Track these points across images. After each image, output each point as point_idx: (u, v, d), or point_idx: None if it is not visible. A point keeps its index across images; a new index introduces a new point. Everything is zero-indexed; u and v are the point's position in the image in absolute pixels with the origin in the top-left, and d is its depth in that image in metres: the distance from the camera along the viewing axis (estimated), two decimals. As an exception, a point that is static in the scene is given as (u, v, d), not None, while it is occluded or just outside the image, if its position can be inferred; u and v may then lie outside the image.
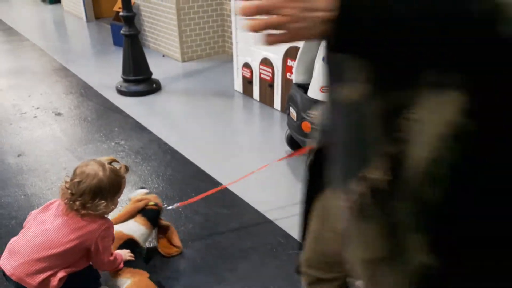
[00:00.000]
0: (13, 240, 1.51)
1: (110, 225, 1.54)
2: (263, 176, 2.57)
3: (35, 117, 3.36)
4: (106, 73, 4.29)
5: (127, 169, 1.58)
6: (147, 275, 1.66)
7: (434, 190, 0.61)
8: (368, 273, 0.73)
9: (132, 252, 1.70)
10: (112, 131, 3.12)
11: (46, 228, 1.47)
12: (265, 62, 3.36)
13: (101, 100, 3.67)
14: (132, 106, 3.54)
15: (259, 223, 2.16)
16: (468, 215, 0.62)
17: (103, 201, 1.46)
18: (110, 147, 2.89)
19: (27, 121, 3.30)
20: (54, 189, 2.41)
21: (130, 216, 1.80)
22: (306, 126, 2.42)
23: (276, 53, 3.24)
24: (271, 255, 1.94)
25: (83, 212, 1.44)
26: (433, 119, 0.57)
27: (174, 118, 3.38)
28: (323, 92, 2.28)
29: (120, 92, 3.79)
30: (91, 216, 1.47)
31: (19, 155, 2.80)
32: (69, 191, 1.44)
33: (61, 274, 1.46)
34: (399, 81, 0.60)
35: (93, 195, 1.44)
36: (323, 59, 2.28)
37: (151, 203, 1.84)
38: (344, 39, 0.56)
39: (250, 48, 3.48)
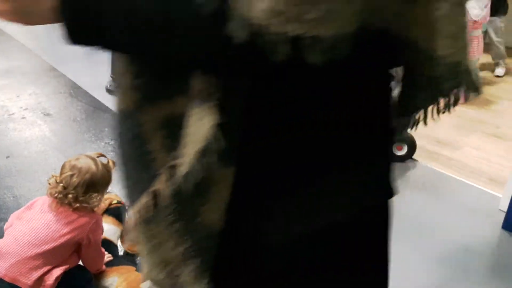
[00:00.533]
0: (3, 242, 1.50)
1: (99, 218, 1.57)
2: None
3: (24, 118, 3.33)
4: (95, 73, 4.25)
5: (114, 164, 1.61)
6: (134, 268, 1.65)
7: (196, 210, 0.57)
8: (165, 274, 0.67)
9: (109, 252, 1.70)
10: (102, 131, 3.10)
11: (34, 225, 1.46)
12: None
13: (90, 100, 3.65)
14: (122, 106, 3.51)
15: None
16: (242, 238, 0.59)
17: (95, 194, 1.49)
18: (99, 147, 2.87)
19: (16, 122, 3.26)
20: (43, 190, 2.38)
21: None
22: None
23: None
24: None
25: (76, 205, 1.46)
26: (193, 132, 0.52)
27: (164, 117, 3.36)
28: None
29: (110, 91, 3.76)
30: (82, 210, 1.48)
31: (7, 157, 2.77)
32: (61, 185, 1.46)
33: (56, 272, 1.45)
34: (166, 88, 0.55)
35: (86, 188, 1.47)
36: None
37: (114, 201, 1.86)
38: (70, 30, 0.50)
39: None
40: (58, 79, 4.16)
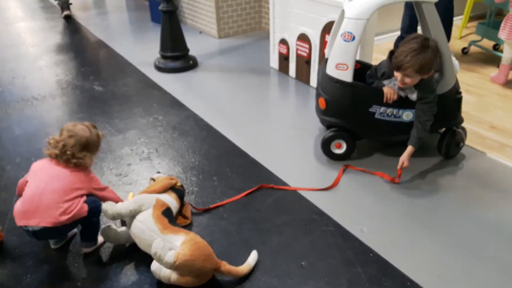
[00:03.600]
0: (27, 196, 1.69)
1: (90, 171, 1.86)
2: (299, 154, 2.57)
3: (78, 92, 3.48)
4: (145, 50, 4.36)
5: (102, 135, 1.93)
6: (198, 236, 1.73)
7: None
8: None
9: (170, 218, 1.78)
10: (151, 106, 3.20)
11: (49, 182, 1.70)
12: (303, 38, 3.31)
13: (140, 76, 3.75)
14: (169, 83, 3.59)
15: (294, 200, 2.17)
16: None
17: (89, 154, 1.80)
18: (148, 122, 2.97)
19: (70, 96, 3.42)
20: (94, 160, 2.51)
21: (164, 189, 1.95)
22: (321, 102, 2.39)
23: (314, 29, 3.18)
24: (305, 231, 1.95)
25: (73, 161, 1.75)
26: None
27: (210, 94, 3.41)
28: (339, 69, 2.25)
29: (158, 68, 3.85)
30: (77, 167, 1.76)
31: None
32: (61, 143, 1.74)
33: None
34: None
35: (81, 148, 1.77)
36: (341, 36, 2.22)
37: (179, 184, 2.05)
38: None
39: (287, 24, 3.44)
40: (109, 55, 4.30)
